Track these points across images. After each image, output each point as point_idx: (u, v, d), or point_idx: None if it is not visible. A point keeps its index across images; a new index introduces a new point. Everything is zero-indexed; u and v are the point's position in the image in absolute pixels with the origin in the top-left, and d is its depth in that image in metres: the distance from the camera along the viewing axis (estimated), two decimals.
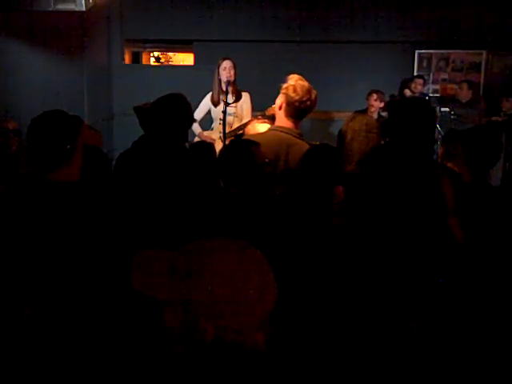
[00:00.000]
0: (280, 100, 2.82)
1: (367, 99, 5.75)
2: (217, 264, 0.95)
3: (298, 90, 2.77)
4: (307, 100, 2.75)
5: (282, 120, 2.82)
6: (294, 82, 2.80)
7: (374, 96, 5.67)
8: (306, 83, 2.82)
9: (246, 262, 0.97)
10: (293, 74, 2.87)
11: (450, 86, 7.09)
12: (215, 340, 0.91)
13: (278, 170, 2.67)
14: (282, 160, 2.69)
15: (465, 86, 6.38)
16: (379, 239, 2.12)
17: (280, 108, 2.82)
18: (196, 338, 0.94)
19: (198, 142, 3.41)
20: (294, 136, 2.79)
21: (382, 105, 5.71)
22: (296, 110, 2.78)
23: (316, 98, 2.80)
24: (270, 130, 2.89)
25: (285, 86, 2.80)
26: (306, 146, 2.77)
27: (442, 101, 6.56)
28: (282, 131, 2.79)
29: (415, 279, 2.10)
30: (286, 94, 2.78)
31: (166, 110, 2.53)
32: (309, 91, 2.78)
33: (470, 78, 6.83)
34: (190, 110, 2.63)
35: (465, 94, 6.33)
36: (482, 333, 2.15)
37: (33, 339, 1.76)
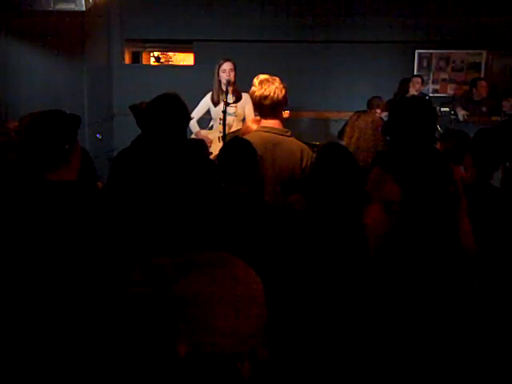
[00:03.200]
0: (252, 104, 2.88)
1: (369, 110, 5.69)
2: (207, 290, 0.89)
3: (256, 87, 2.81)
4: (269, 93, 2.75)
5: (264, 121, 2.85)
6: (253, 82, 2.84)
7: (378, 111, 5.60)
8: (264, 77, 2.84)
9: (237, 291, 0.90)
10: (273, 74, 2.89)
11: (450, 85, 7.09)
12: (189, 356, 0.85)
13: (265, 170, 2.67)
14: (268, 160, 2.69)
15: (482, 83, 6.34)
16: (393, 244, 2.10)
17: (255, 111, 2.86)
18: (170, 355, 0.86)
19: (190, 139, 3.40)
20: (279, 134, 2.79)
21: (385, 113, 5.67)
22: (265, 108, 2.79)
23: (280, 87, 2.79)
24: (255, 131, 2.90)
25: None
26: (294, 142, 2.79)
27: (458, 100, 6.53)
28: (266, 131, 2.80)
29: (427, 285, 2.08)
30: (251, 96, 2.83)
31: (160, 109, 2.52)
32: (266, 83, 2.79)
33: (470, 78, 6.83)
34: (185, 108, 2.60)
35: (482, 92, 6.30)
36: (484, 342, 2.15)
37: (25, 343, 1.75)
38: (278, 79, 2.82)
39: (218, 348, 0.84)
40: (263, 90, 2.76)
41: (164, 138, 2.50)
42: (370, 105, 5.69)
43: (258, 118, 3.53)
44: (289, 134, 2.83)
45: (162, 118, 2.48)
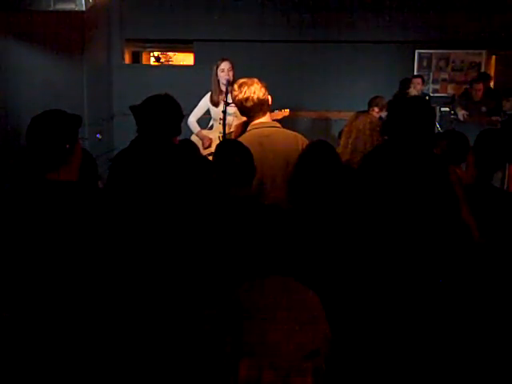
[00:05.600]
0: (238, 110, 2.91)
1: (368, 110, 5.70)
2: (273, 308, 0.90)
3: (236, 91, 2.84)
4: (250, 94, 2.78)
5: (253, 121, 2.87)
6: (233, 88, 2.88)
7: (376, 109, 5.61)
8: (242, 80, 2.87)
9: (303, 308, 0.93)
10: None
11: (450, 85, 7.09)
12: None
13: (266, 164, 2.69)
14: (267, 152, 2.72)
15: (478, 86, 6.35)
16: (387, 237, 2.11)
17: (243, 115, 2.91)
18: None
19: (181, 140, 3.41)
20: (269, 127, 2.83)
21: (384, 113, 5.66)
22: (249, 110, 2.83)
23: (259, 87, 2.82)
24: (247, 131, 2.93)
25: None
26: (286, 131, 2.82)
27: (458, 100, 6.54)
28: (257, 127, 2.83)
29: (425, 277, 2.08)
30: (233, 101, 2.88)
31: (150, 111, 2.54)
32: (244, 85, 2.82)
33: (470, 77, 6.83)
34: (178, 109, 2.61)
35: (479, 95, 6.31)
36: (485, 333, 2.15)
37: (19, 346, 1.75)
38: (256, 80, 2.86)
39: (278, 362, 0.86)
40: (243, 92, 2.81)
41: (155, 138, 2.51)
42: (370, 103, 5.70)
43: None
44: (279, 125, 2.85)
45: (152, 120, 2.50)
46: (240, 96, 2.81)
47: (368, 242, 2.09)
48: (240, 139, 2.90)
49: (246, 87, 2.81)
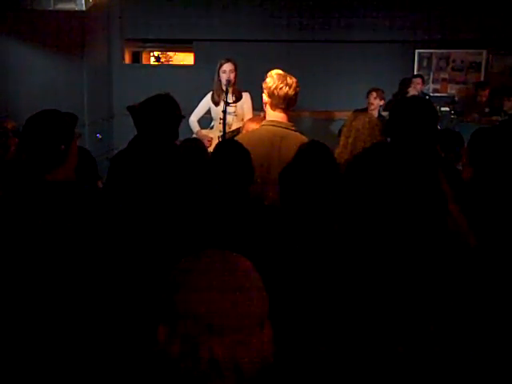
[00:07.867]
0: (264, 96, 2.89)
1: (367, 97, 5.76)
2: (199, 277, 0.91)
3: (273, 78, 2.84)
4: (284, 86, 2.80)
5: (272, 114, 2.88)
6: (269, 74, 2.88)
7: (374, 94, 5.67)
8: (281, 72, 2.88)
9: (232, 275, 0.93)
10: (291, 73, 2.91)
11: (450, 85, 7.10)
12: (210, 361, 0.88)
13: (272, 164, 2.68)
14: (275, 154, 2.72)
15: (484, 93, 6.39)
16: (377, 240, 2.10)
17: (266, 104, 2.89)
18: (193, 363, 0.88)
19: (186, 139, 3.42)
20: (287, 128, 2.82)
21: (381, 103, 5.71)
22: (278, 99, 2.82)
23: (296, 83, 2.84)
24: (262, 125, 2.92)
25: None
26: (300, 137, 2.80)
27: (460, 102, 6.58)
28: (273, 125, 2.83)
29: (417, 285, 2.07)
30: (265, 87, 2.86)
31: (151, 111, 2.54)
32: (284, 77, 2.83)
33: (470, 77, 6.84)
34: (177, 109, 2.63)
35: (483, 100, 6.34)
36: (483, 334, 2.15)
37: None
38: (293, 77, 2.87)
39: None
40: (279, 81, 2.81)
41: (155, 138, 2.51)
42: (368, 91, 5.75)
43: (255, 117, 3.52)
44: (294, 128, 2.85)
45: (152, 119, 2.50)
46: (274, 84, 2.82)
47: (352, 241, 2.08)
48: (252, 132, 2.91)
49: (283, 78, 2.82)
